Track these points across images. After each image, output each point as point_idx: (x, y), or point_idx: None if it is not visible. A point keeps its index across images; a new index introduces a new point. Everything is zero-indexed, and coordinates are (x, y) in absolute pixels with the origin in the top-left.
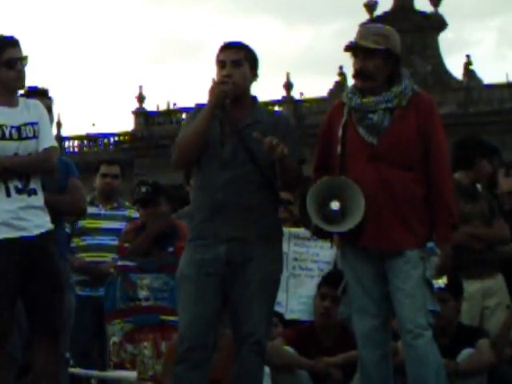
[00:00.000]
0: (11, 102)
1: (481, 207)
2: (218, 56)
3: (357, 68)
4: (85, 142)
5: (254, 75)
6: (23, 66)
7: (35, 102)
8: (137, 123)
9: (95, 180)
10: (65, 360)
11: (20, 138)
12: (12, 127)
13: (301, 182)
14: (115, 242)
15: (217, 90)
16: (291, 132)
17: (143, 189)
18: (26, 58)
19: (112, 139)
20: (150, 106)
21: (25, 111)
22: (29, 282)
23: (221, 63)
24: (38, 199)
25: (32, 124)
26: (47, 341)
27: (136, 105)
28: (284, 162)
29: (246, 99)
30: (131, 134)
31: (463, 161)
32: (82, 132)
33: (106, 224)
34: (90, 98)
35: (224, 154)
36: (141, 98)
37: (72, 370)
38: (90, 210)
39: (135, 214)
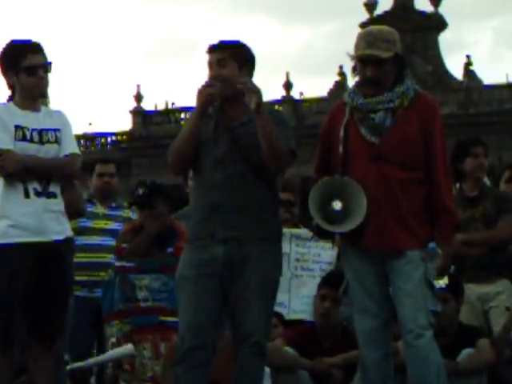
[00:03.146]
0: (34, 106)
1: (483, 210)
2: (207, 57)
3: (369, 76)
4: (81, 141)
5: (247, 73)
6: (46, 72)
7: (59, 111)
8: (135, 122)
9: (90, 180)
10: (63, 361)
11: (41, 142)
12: (33, 130)
13: (286, 162)
14: (111, 243)
15: (203, 93)
16: (283, 123)
17: (140, 190)
18: (48, 65)
19: (110, 139)
20: (148, 105)
21: (47, 117)
22: (37, 287)
23: (209, 65)
24: (58, 203)
25: (54, 130)
26: (44, 342)
27: (134, 104)
28: (263, 118)
29: (240, 98)
30: (129, 134)
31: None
32: (79, 131)
33: (103, 224)
34: (87, 97)
35: (217, 154)
36: (139, 98)
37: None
38: (88, 209)
39: (132, 215)
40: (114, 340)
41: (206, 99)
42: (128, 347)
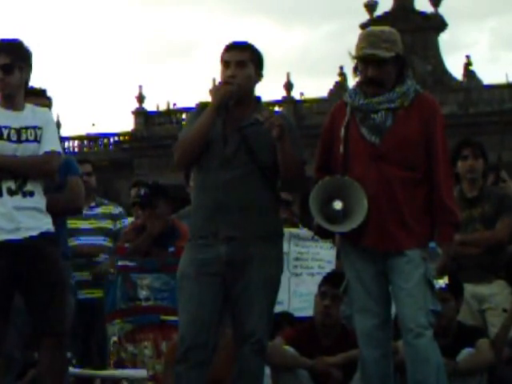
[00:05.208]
0: (13, 105)
1: (482, 210)
2: (222, 56)
3: (370, 76)
4: (85, 142)
5: (258, 76)
6: (6, 73)
7: (44, 110)
8: (137, 123)
9: None
10: (67, 360)
11: (19, 141)
12: (11, 129)
13: (303, 185)
14: (101, 242)
15: (221, 90)
16: (292, 132)
17: (141, 191)
18: (7, 65)
19: (112, 139)
20: (149, 105)
21: (29, 116)
22: (26, 284)
23: (225, 63)
24: (35, 201)
25: (34, 128)
26: (52, 341)
27: (136, 105)
28: (285, 146)
29: (249, 99)
30: (131, 134)
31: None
32: (82, 132)
33: (86, 224)
34: (89, 98)
35: (226, 153)
36: (141, 98)
37: (76, 370)
38: None
39: (115, 211)
40: (115, 339)
41: (224, 96)
42: (142, 372)
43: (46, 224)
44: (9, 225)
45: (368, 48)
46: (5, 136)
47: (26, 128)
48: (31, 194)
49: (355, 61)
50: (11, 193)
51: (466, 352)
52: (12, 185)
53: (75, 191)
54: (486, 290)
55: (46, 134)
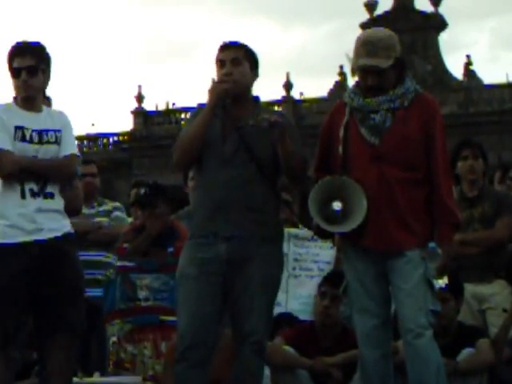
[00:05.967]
0: (33, 107)
1: (482, 210)
2: (217, 56)
3: (371, 84)
4: (84, 142)
5: (254, 74)
6: (32, 75)
7: (60, 111)
8: (136, 123)
9: None
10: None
11: (40, 143)
12: (33, 131)
13: (306, 177)
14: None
15: (217, 89)
16: (292, 131)
17: (141, 191)
18: (32, 66)
19: (111, 139)
20: (149, 105)
21: (48, 118)
22: (43, 285)
23: (220, 62)
24: (55, 203)
25: (54, 131)
26: (67, 339)
27: (135, 104)
28: (286, 146)
29: (247, 98)
30: (130, 134)
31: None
32: (82, 132)
33: None
34: (89, 98)
35: (225, 152)
36: (140, 98)
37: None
38: None
39: (107, 207)
40: (114, 339)
41: (220, 94)
42: (136, 378)
43: (66, 225)
44: (30, 225)
45: (366, 58)
46: (27, 137)
47: (47, 130)
48: (52, 195)
49: (352, 63)
50: (34, 195)
51: (466, 352)
52: (34, 187)
53: (74, 192)
54: (486, 289)
55: (65, 137)
